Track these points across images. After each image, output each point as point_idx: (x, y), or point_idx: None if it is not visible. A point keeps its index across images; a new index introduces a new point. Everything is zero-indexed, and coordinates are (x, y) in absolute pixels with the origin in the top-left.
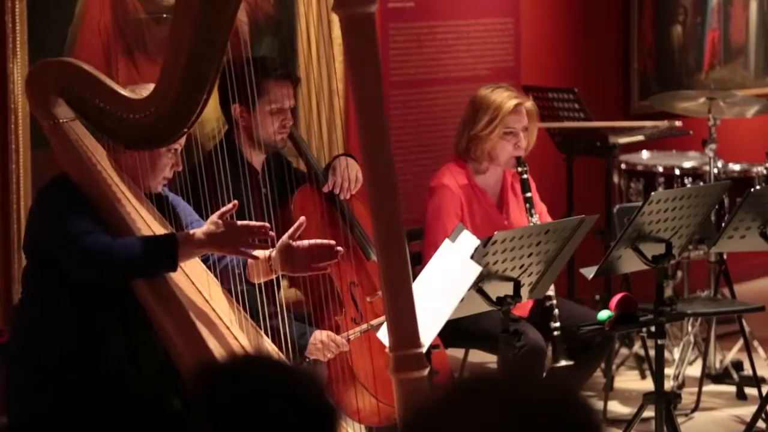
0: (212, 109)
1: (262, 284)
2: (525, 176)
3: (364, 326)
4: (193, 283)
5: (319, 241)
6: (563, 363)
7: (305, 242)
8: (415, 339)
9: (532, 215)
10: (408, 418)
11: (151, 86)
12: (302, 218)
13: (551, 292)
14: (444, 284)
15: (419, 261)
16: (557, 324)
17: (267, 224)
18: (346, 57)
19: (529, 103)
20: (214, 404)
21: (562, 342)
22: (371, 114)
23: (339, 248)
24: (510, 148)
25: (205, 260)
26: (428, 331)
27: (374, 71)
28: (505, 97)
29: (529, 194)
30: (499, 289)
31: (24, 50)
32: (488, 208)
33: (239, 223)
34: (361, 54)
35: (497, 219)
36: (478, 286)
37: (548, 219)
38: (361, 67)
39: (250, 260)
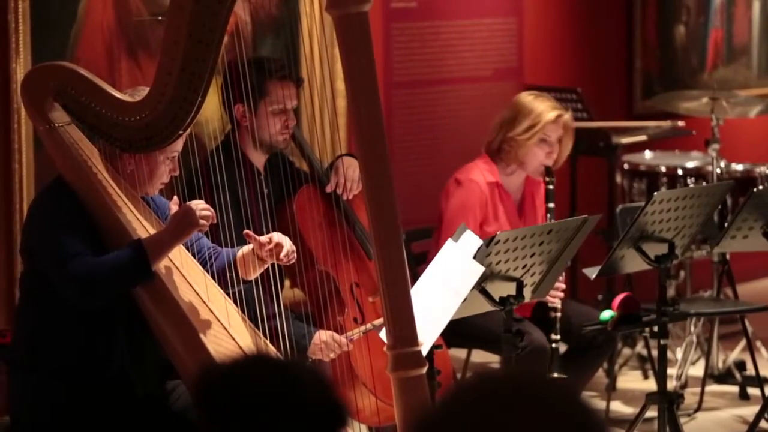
0: (214, 108)
1: (263, 285)
2: (551, 186)
3: (367, 326)
4: (191, 285)
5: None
6: (555, 375)
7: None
8: (412, 337)
9: None
10: (417, 420)
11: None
12: (275, 236)
13: (558, 303)
14: (447, 284)
15: (425, 259)
16: (557, 337)
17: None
18: (340, 56)
19: (568, 116)
20: (220, 405)
21: (559, 354)
22: (366, 113)
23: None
24: (542, 156)
25: (202, 264)
26: (431, 331)
27: (369, 70)
28: (547, 107)
29: (551, 204)
30: (501, 289)
31: (27, 50)
32: (510, 209)
33: (186, 204)
34: (356, 53)
35: (516, 223)
36: (480, 286)
37: None
38: (356, 66)
39: (238, 257)
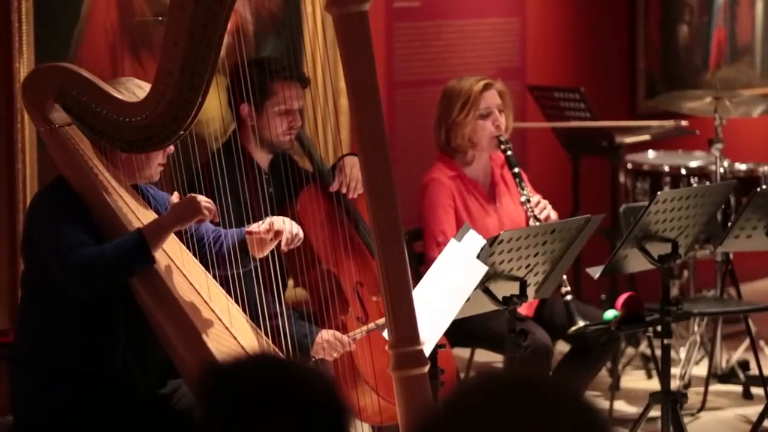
0: (217, 107)
1: (266, 284)
2: (509, 152)
3: (370, 325)
4: (192, 285)
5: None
6: (581, 324)
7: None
8: (414, 336)
9: (523, 188)
10: (421, 419)
11: (136, 81)
12: (275, 222)
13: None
14: (450, 284)
15: (422, 261)
16: (567, 288)
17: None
18: (340, 56)
19: (499, 84)
20: (222, 404)
21: (574, 309)
22: (367, 113)
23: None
24: (490, 129)
25: (201, 246)
26: (434, 330)
27: (369, 69)
28: (473, 81)
29: (516, 169)
30: (505, 289)
31: (30, 50)
32: (480, 197)
33: (191, 195)
34: (355, 52)
35: (490, 208)
36: (484, 286)
37: (549, 208)
38: (356, 65)
39: (246, 235)
